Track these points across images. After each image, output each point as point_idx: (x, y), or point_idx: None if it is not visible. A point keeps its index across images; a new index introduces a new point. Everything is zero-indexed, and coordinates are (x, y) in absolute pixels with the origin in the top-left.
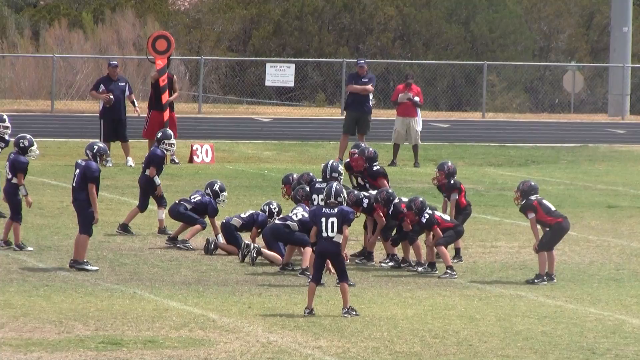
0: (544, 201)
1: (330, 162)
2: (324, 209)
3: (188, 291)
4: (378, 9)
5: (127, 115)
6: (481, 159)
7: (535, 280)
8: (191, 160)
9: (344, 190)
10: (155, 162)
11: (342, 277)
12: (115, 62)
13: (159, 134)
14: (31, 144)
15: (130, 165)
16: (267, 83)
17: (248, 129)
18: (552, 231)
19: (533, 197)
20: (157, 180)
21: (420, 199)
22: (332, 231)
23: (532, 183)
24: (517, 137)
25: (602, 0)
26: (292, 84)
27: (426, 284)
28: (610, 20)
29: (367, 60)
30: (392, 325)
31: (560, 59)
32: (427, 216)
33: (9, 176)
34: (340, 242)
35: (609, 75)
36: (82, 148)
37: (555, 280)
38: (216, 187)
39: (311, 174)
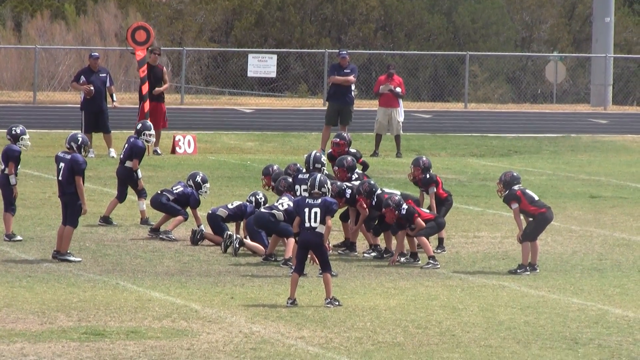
0: (528, 191)
1: (313, 152)
2: (307, 200)
3: (171, 282)
4: (360, 0)
5: (108, 106)
6: (463, 150)
7: (518, 271)
8: (173, 151)
9: (328, 181)
10: (137, 153)
11: (325, 267)
12: (97, 54)
13: (139, 125)
14: (23, 133)
15: (113, 157)
16: (250, 74)
17: (230, 119)
18: (535, 221)
19: (516, 187)
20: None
21: (397, 195)
22: (315, 221)
23: (515, 174)
24: (500, 127)
25: None
26: (274, 75)
27: (409, 275)
28: (593, 10)
29: (349, 51)
30: (375, 315)
31: (543, 50)
32: (405, 207)
33: (2, 166)
34: (323, 232)
35: (591, 66)
36: (64, 139)
37: (538, 271)
38: (198, 179)
39: (297, 165)
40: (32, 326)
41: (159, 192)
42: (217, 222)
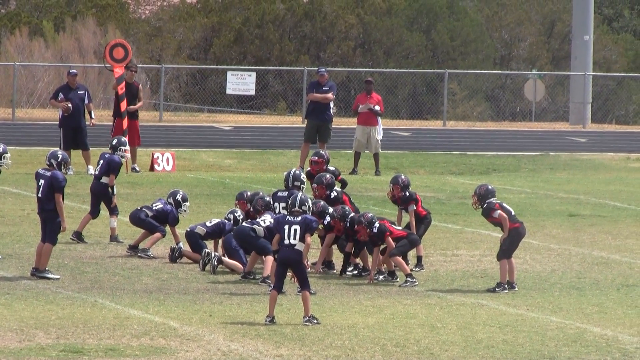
0: (505, 205)
1: (293, 170)
2: (287, 217)
3: (149, 299)
4: (339, 17)
5: (87, 123)
6: (442, 168)
7: (497, 289)
8: (152, 168)
9: (309, 200)
10: (114, 169)
11: (304, 285)
12: (75, 71)
13: (114, 141)
14: (5, 152)
15: (91, 174)
16: (228, 91)
17: (209, 137)
18: (509, 237)
19: (494, 200)
20: (115, 189)
21: (370, 213)
22: (295, 239)
23: (489, 187)
24: (478, 145)
25: (563, 9)
26: (253, 92)
27: (387, 293)
28: (572, 28)
29: (327, 69)
30: (353, 333)
31: (522, 67)
32: (377, 225)
33: None
34: (302, 250)
35: (570, 84)
36: (43, 156)
37: (516, 289)
38: (179, 197)
39: (263, 196)
40: (11, 343)
41: (139, 208)
42: (195, 240)
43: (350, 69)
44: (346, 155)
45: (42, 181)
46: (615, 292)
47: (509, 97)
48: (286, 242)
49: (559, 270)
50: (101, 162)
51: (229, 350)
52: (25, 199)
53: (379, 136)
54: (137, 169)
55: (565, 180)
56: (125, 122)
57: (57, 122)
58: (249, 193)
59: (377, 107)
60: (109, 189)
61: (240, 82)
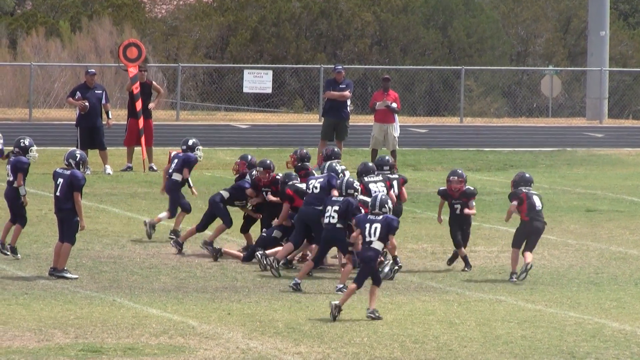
0: (534, 198)
1: (346, 178)
2: (369, 215)
3: (167, 298)
4: (355, 15)
5: (103, 123)
6: (459, 164)
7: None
8: None
9: (389, 201)
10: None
11: (376, 281)
12: (93, 70)
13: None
14: (31, 145)
15: (109, 173)
16: (245, 90)
17: (226, 135)
18: (517, 228)
19: (524, 189)
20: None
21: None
22: (374, 236)
23: (526, 175)
24: (495, 141)
25: (580, 5)
26: (269, 91)
27: (406, 289)
28: (588, 24)
29: (344, 66)
30: (372, 330)
31: (538, 64)
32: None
33: (10, 178)
34: (379, 249)
35: (586, 79)
36: (60, 156)
37: (514, 279)
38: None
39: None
40: (29, 343)
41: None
42: (217, 206)
43: (366, 66)
44: (363, 153)
45: (60, 180)
46: (633, 287)
47: (525, 93)
48: (367, 238)
49: (577, 266)
50: (175, 161)
51: (247, 348)
52: (42, 199)
53: (396, 133)
54: (155, 168)
55: (583, 175)
56: (141, 122)
57: (74, 122)
58: (255, 159)
59: (394, 105)
60: (186, 181)
61: (257, 80)
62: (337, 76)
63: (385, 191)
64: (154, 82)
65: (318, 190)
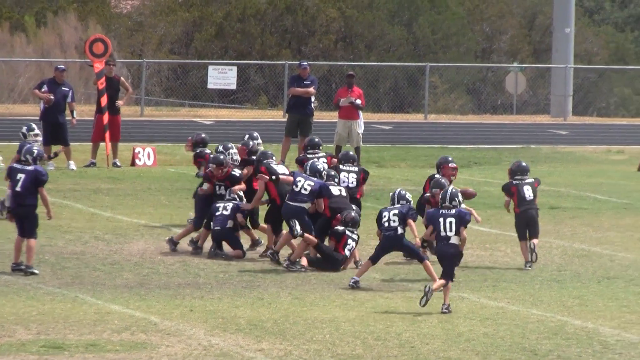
0: (525, 189)
1: (398, 190)
2: (441, 210)
3: (130, 294)
4: (320, 11)
5: (67, 119)
6: (423, 161)
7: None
8: (133, 163)
9: (459, 194)
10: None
11: (448, 276)
12: (63, 67)
13: (221, 147)
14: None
15: (72, 169)
16: (210, 86)
17: (190, 131)
18: (517, 219)
19: (515, 182)
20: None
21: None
22: (450, 231)
23: (522, 164)
24: (460, 138)
25: (545, 1)
26: (234, 87)
27: (368, 286)
28: (553, 21)
29: (309, 63)
30: (334, 327)
31: (503, 60)
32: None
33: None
34: (457, 243)
35: (551, 76)
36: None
37: (527, 268)
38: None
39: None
40: None
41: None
42: (195, 202)
43: (331, 62)
44: (327, 149)
45: (21, 176)
46: (596, 284)
47: (490, 90)
48: (442, 233)
49: (540, 263)
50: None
51: (209, 344)
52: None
53: (360, 130)
54: (119, 164)
55: (547, 172)
56: (105, 118)
57: (38, 117)
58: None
59: (358, 101)
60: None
61: (222, 76)
62: (302, 72)
63: (355, 182)
64: (122, 79)
65: (307, 192)
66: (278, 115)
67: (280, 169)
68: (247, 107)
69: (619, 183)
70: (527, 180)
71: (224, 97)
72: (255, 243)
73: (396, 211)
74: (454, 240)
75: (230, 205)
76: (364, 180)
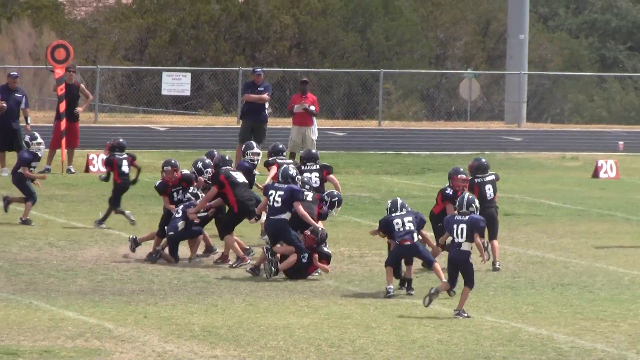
0: (485, 188)
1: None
2: (456, 216)
3: (84, 301)
4: (274, 18)
5: (22, 125)
6: (377, 167)
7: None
8: (87, 169)
9: (476, 200)
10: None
11: (469, 283)
12: (15, 73)
13: (243, 147)
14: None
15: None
16: (164, 92)
17: (144, 138)
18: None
19: (477, 180)
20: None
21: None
22: (461, 237)
23: (482, 160)
24: (413, 145)
25: (499, 8)
26: (188, 93)
27: (322, 293)
28: (507, 27)
29: (263, 69)
30: (288, 334)
31: (457, 67)
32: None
33: None
34: (468, 249)
35: (505, 83)
36: None
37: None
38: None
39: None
40: None
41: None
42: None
43: (285, 69)
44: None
45: None
46: (550, 291)
47: (444, 97)
48: (455, 240)
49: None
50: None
51: (163, 351)
52: None
53: (314, 136)
54: (72, 171)
55: (501, 179)
56: (63, 124)
57: None
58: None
59: (312, 107)
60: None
61: (176, 82)
62: (256, 79)
63: (319, 181)
64: (82, 86)
65: (279, 204)
66: (232, 122)
67: (240, 177)
68: (201, 114)
69: (573, 189)
70: (487, 179)
71: (178, 104)
72: (209, 250)
73: (410, 217)
74: (465, 246)
75: (181, 207)
76: (328, 174)
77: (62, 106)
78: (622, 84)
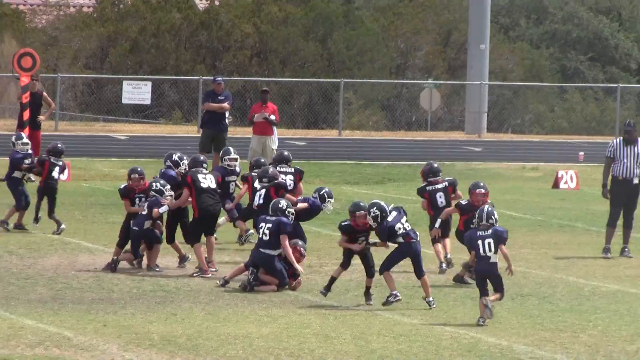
0: (437, 196)
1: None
2: (479, 232)
3: (43, 309)
4: (235, 27)
5: None
6: (337, 177)
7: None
8: None
9: (495, 212)
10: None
11: (500, 290)
12: None
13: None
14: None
15: None
16: (124, 101)
17: (104, 146)
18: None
19: (429, 188)
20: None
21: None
22: (490, 251)
23: (434, 165)
24: (374, 155)
25: (460, 18)
26: (148, 102)
27: (282, 302)
28: (468, 37)
29: (224, 78)
30: (248, 343)
31: (418, 77)
32: None
33: None
34: (496, 261)
35: (466, 93)
36: None
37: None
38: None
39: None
40: None
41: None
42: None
43: (246, 78)
44: (242, 165)
45: None
46: (509, 301)
47: (404, 107)
48: (482, 254)
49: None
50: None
51: (123, 359)
52: None
53: (275, 145)
54: (32, 179)
55: (461, 189)
56: (26, 132)
57: None
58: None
59: (272, 117)
60: None
61: (136, 91)
62: (216, 88)
63: (293, 184)
64: (44, 94)
65: (268, 237)
66: (192, 131)
67: (207, 182)
68: (162, 122)
69: (533, 200)
70: (439, 186)
71: (139, 112)
72: (182, 259)
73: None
74: (494, 258)
75: (146, 204)
76: (300, 179)
77: (26, 114)
78: (583, 94)
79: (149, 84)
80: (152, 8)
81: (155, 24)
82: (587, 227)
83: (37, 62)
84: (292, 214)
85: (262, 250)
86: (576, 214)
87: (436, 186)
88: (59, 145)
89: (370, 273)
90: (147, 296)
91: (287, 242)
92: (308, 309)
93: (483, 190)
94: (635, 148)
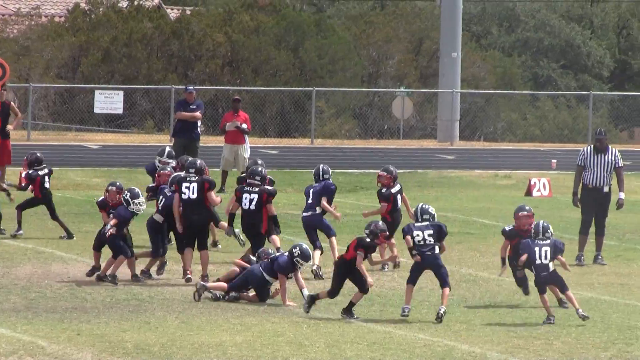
0: (398, 196)
1: (420, 205)
2: (536, 240)
3: (17, 318)
4: (207, 36)
5: None
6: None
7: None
8: (20, 187)
9: (550, 227)
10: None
11: (564, 287)
12: None
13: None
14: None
15: None
16: (96, 110)
17: (77, 155)
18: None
19: (393, 190)
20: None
21: None
22: (546, 259)
23: (390, 168)
24: (346, 163)
25: (432, 26)
26: (120, 111)
27: (255, 311)
28: (440, 45)
29: (195, 87)
30: (221, 352)
31: (389, 85)
32: None
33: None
34: (554, 268)
35: (438, 101)
36: None
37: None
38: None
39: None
40: None
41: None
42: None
43: (218, 87)
44: (213, 174)
45: None
46: (483, 309)
47: (376, 115)
48: (538, 261)
49: (427, 288)
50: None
51: None
52: None
53: (247, 154)
54: (5, 187)
55: (434, 197)
56: None
57: None
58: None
59: (244, 126)
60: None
61: (108, 100)
62: (188, 97)
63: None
64: (12, 103)
65: (268, 261)
66: (164, 140)
67: (188, 193)
68: (134, 132)
69: (506, 208)
70: (395, 190)
71: (111, 122)
72: (161, 265)
73: (431, 231)
74: (551, 266)
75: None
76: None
77: None
78: (555, 102)
79: (121, 93)
80: (123, 17)
81: (127, 33)
82: (560, 235)
83: (6, 71)
84: (300, 264)
85: (265, 275)
86: (549, 222)
87: (394, 189)
88: (38, 154)
89: (364, 289)
90: (121, 305)
91: (285, 281)
92: (282, 317)
93: (525, 212)
94: (606, 156)
